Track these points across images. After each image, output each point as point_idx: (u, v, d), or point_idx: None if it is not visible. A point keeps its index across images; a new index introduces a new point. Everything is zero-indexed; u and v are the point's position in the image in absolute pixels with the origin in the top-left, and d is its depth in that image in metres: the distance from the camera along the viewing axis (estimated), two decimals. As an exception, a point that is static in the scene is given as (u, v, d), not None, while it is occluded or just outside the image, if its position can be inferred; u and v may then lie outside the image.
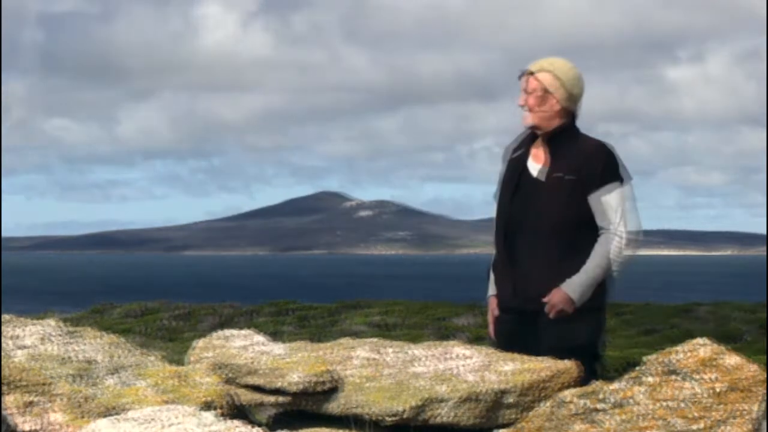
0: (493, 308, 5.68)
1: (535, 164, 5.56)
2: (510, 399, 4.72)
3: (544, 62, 5.56)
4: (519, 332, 5.50)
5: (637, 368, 4.64)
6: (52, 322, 4.88)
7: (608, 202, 5.43)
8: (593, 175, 5.43)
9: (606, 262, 5.41)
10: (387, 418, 4.62)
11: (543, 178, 5.49)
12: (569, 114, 5.55)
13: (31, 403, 4.28)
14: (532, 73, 5.51)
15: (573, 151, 5.48)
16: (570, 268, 5.41)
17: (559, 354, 5.03)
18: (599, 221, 5.44)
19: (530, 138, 5.66)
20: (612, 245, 5.42)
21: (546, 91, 5.48)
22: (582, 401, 4.56)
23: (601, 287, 5.47)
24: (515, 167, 5.61)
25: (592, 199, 5.44)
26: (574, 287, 5.37)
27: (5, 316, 4.78)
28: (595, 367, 5.46)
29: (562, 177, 5.45)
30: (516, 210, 5.52)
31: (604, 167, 5.47)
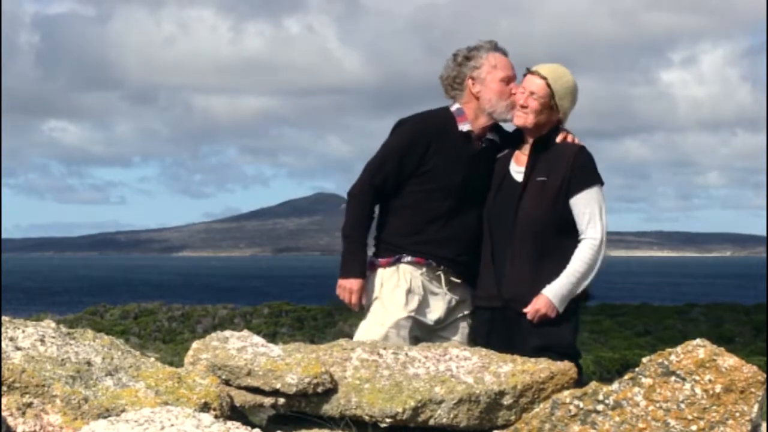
0: None
1: (517, 167, 5.61)
2: (507, 400, 4.73)
3: (554, 71, 5.54)
4: (500, 331, 5.54)
5: (635, 369, 4.65)
6: (51, 323, 4.88)
7: (590, 205, 5.49)
8: (575, 178, 5.47)
9: (587, 267, 5.46)
10: (384, 420, 4.63)
11: (524, 181, 5.54)
12: (558, 122, 5.60)
13: (28, 404, 4.28)
14: (544, 78, 5.50)
15: (553, 155, 5.52)
16: (551, 270, 5.46)
17: (543, 354, 5.08)
18: (580, 224, 5.49)
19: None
20: (593, 250, 5.46)
21: (552, 101, 5.49)
22: (579, 402, 4.57)
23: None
24: (498, 169, 5.64)
25: (574, 201, 5.48)
26: (556, 292, 5.42)
27: (3, 318, 4.78)
28: (579, 364, 5.50)
29: (542, 181, 5.49)
30: (498, 212, 5.57)
31: (586, 170, 5.52)
